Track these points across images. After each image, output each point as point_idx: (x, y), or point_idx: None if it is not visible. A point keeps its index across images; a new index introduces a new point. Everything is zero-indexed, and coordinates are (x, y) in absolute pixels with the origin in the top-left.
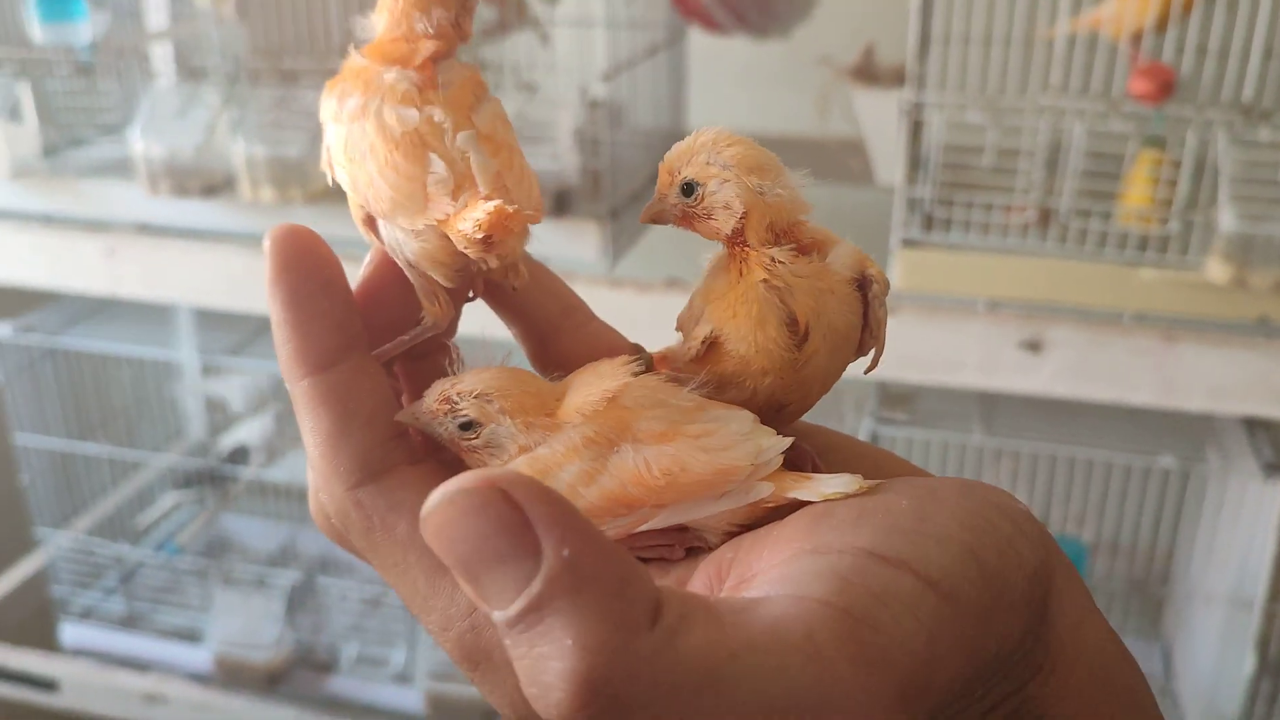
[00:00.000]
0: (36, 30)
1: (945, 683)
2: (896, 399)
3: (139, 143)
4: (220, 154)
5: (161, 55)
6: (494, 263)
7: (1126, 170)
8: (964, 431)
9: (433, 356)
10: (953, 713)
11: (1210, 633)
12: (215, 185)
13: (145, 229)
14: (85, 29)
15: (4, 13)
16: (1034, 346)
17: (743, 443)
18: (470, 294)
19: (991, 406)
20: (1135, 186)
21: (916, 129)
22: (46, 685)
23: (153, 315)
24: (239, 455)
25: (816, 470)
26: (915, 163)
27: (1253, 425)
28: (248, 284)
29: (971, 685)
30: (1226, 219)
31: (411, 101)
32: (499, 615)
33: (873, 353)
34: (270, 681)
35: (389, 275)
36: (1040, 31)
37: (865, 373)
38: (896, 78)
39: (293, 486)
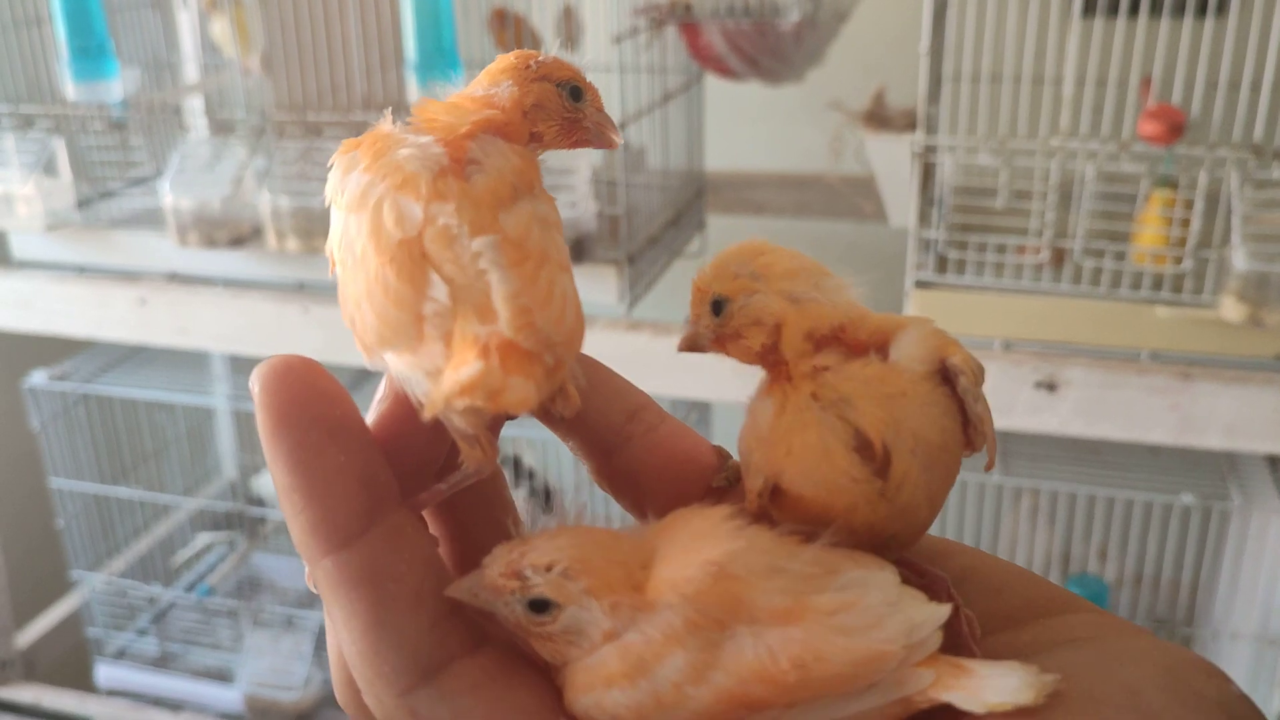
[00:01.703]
0: (70, 88)
1: None
2: None
3: (169, 195)
4: (247, 205)
5: (191, 110)
6: (480, 429)
7: (1139, 210)
8: (981, 470)
9: (478, 492)
10: None
11: (1237, 671)
12: (242, 236)
13: (175, 278)
14: (117, 86)
15: (39, 72)
16: (1050, 386)
17: (890, 617)
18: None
19: (1011, 445)
20: (1148, 226)
21: (928, 171)
22: None
23: (183, 361)
24: (264, 500)
25: (956, 603)
26: (928, 205)
27: (1275, 462)
28: (275, 331)
29: None
30: (1240, 258)
31: (414, 191)
32: None
33: (986, 449)
34: None
35: (410, 404)
36: (1049, 74)
37: (986, 470)
38: (907, 121)
39: None
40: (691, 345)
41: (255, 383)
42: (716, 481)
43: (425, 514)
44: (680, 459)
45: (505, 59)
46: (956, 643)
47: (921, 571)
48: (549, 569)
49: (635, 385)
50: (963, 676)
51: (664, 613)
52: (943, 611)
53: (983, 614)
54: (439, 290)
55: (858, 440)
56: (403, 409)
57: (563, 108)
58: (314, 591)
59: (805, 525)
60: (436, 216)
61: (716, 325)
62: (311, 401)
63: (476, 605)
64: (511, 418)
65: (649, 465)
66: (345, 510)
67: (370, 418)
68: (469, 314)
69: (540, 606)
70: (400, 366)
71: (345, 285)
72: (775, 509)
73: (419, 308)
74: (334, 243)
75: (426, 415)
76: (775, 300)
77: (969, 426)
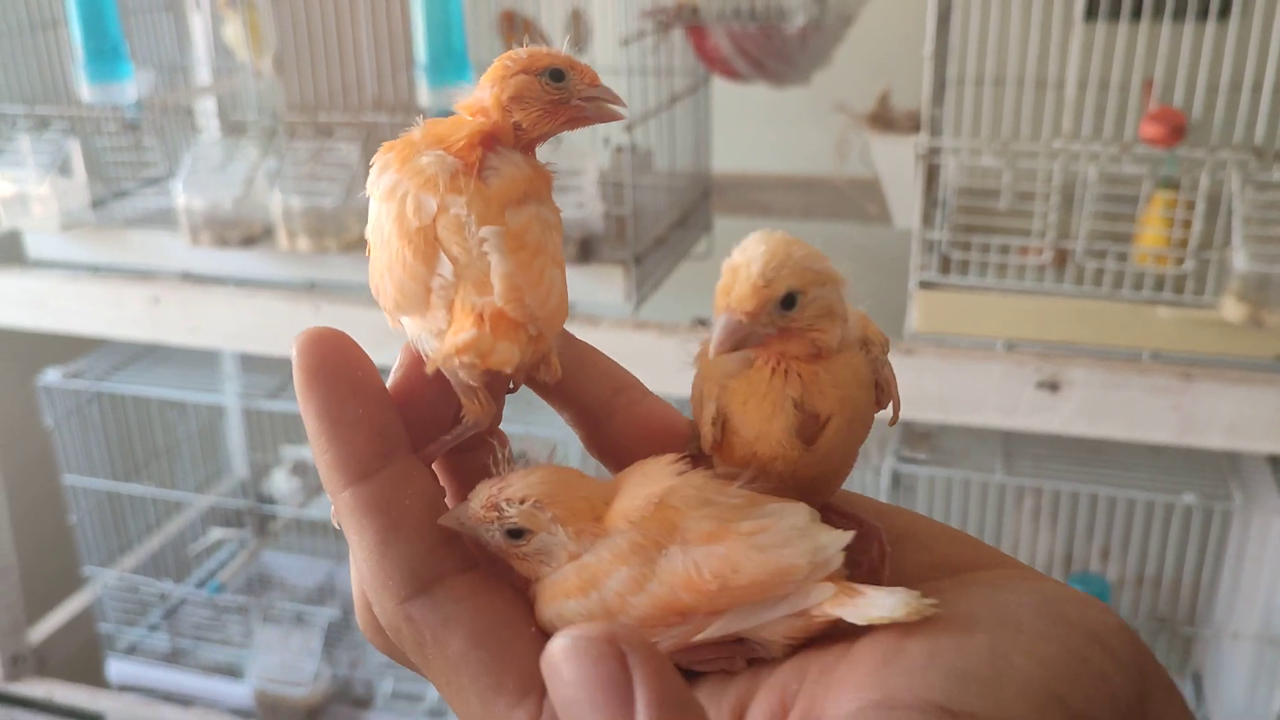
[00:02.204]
0: (85, 90)
1: None
2: (918, 438)
3: (181, 195)
4: (259, 205)
5: (204, 111)
6: (476, 381)
7: (1141, 211)
8: (985, 470)
9: (477, 451)
10: None
11: (1239, 669)
12: (254, 235)
13: (187, 277)
14: (131, 88)
15: (54, 73)
16: (1052, 386)
17: (799, 540)
18: (511, 385)
19: (1013, 445)
20: (1150, 227)
21: (932, 173)
22: (94, 719)
23: (195, 359)
24: (274, 498)
25: (884, 552)
26: (932, 206)
27: (1277, 462)
28: (285, 329)
29: None
30: (1241, 259)
31: (433, 189)
32: None
33: (892, 407)
34: (308, 716)
35: (423, 370)
36: (1052, 77)
37: (890, 424)
38: (912, 123)
39: (330, 525)
40: (741, 342)
41: (294, 346)
42: (690, 449)
43: (439, 469)
44: (659, 430)
45: (493, 65)
46: (875, 580)
47: (860, 522)
48: (522, 502)
49: (622, 366)
50: (854, 596)
51: (614, 537)
52: (845, 537)
53: (913, 564)
54: (445, 268)
55: (803, 414)
56: (416, 374)
57: (543, 92)
58: (337, 528)
59: (737, 465)
60: (449, 208)
61: (785, 319)
62: (338, 364)
63: (464, 532)
64: (504, 378)
65: (632, 435)
66: (361, 452)
67: (390, 381)
68: (469, 288)
69: (515, 534)
70: (413, 328)
71: (374, 261)
72: (716, 446)
73: (429, 281)
74: (369, 227)
75: (429, 369)
76: (836, 291)
77: (879, 388)
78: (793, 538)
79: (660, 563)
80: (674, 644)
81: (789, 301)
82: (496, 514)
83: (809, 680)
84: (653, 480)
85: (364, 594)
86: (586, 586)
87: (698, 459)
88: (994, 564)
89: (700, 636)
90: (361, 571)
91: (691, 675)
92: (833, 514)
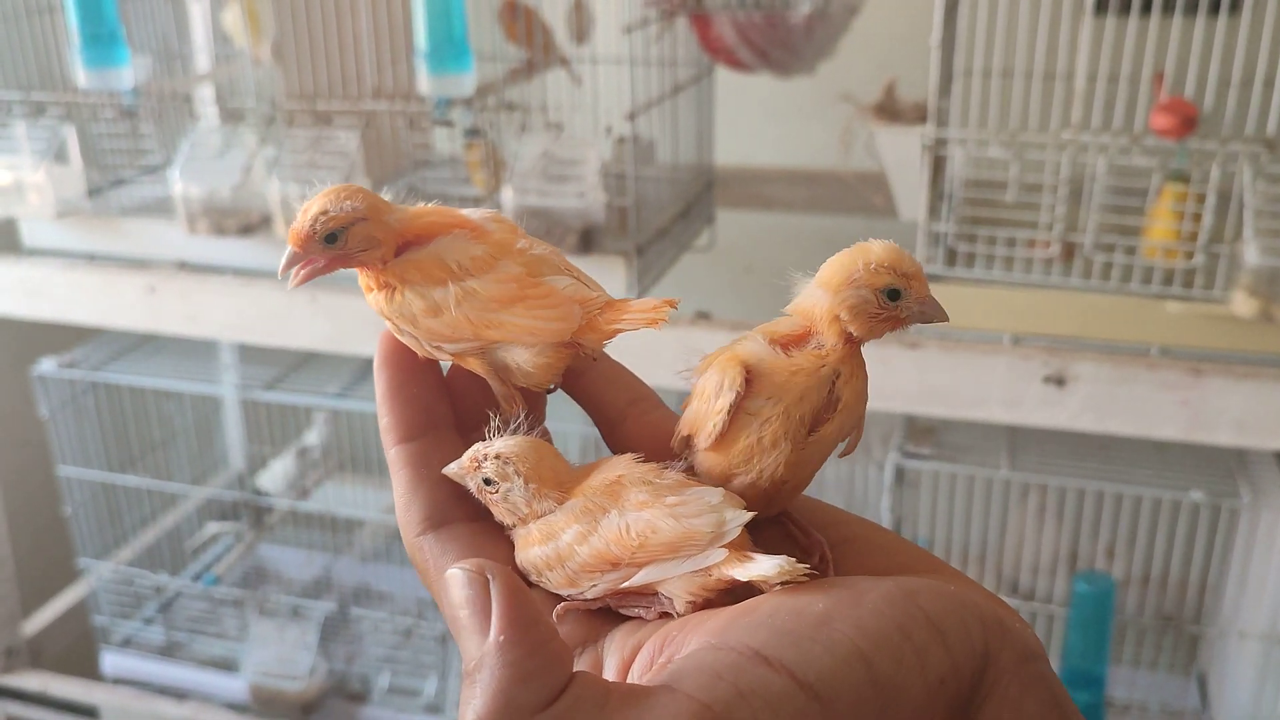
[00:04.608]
0: (81, 75)
1: None
2: (922, 433)
3: (178, 183)
4: (256, 194)
5: (202, 98)
6: (513, 392)
7: (1150, 204)
8: (990, 466)
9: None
10: None
11: (1246, 668)
12: (251, 224)
13: (184, 266)
14: (128, 74)
15: (50, 59)
16: (1059, 381)
17: (709, 513)
18: (551, 387)
19: (1019, 440)
20: (1159, 220)
21: (938, 164)
22: (88, 713)
23: (192, 350)
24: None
25: (825, 560)
26: (938, 198)
27: None
28: (283, 319)
29: None
30: (1252, 253)
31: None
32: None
33: (850, 440)
34: (304, 711)
35: (468, 372)
36: (1060, 69)
37: (840, 456)
38: (918, 114)
39: (327, 518)
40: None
41: (379, 337)
42: (680, 453)
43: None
44: (662, 436)
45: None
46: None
47: (806, 532)
48: (497, 458)
49: (640, 379)
50: (746, 560)
51: (572, 501)
52: (746, 515)
53: (854, 568)
54: (563, 281)
55: (831, 402)
56: (462, 371)
57: (880, 309)
58: None
59: (734, 458)
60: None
61: (892, 310)
62: (404, 354)
63: (456, 479)
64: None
65: (639, 438)
66: (407, 421)
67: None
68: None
69: (488, 482)
70: (517, 358)
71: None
72: (719, 440)
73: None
74: (470, 308)
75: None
76: None
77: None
78: (704, 510)
79: (602, 522)
80: (605, 588)
81: (894, 295)
82: (477, 465)
83: (684, 630)
84: (614, 467)
85: None
86: (546, 539)
87: (689, 471)
88: (928, 569)
89: (626, 584)
90: (397, 508)
91: (619, 617)
92: (788, 521)
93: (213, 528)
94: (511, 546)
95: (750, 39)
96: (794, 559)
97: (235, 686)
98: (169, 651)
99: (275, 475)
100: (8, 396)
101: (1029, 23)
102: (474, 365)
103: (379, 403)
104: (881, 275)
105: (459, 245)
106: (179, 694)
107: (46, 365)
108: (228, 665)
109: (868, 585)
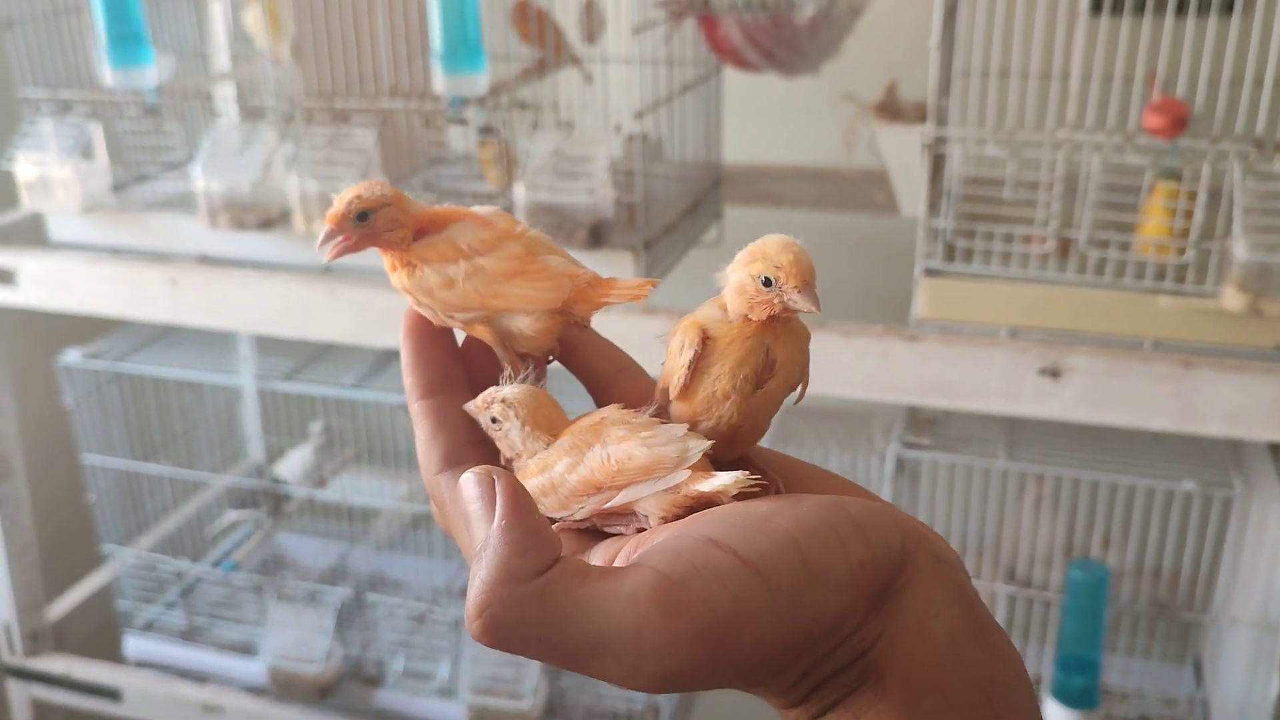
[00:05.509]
0: (107, 75)
1: (754, 638)
2: (922, 424)
3: (200, 179)
4: (276, 189)
5: (223, 96)
6: (515, 358)
7: (1143, 201)
8: (989, 456)
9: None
10: (784, 667)
11: (1239, 654)
12: (271, 219)
13: (205, 260)
14: (152, 73)
15: (78, 58)
16: (1054, 373)
17: (675, 442)
18: (550, 357)
19: (1016, 431)
20: (1152, 217)
21: (938, 162)
22: (111, 695)
23: (213, 341)
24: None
25: (778, 491)
26: (937, 195)
27: (1277, 450)
28: (301, 312)
29: (797, 647)
30: (1241, 249)
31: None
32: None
33: (800, 387)
34: (321, 694)
35: (479, 341)
36: (1056, 69)
37: (794, 403)
38: (918, 114)
39: (343, 507)
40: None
41: (404, 313)
42: (656, 401)
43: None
44: (642, 399)
45: None
46: None
47: (764, 473)
48: (503, 401)
49: (625, 352)
50: (708, 477)
51: (564, 438)
52: (706, 443)
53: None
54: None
55: (769, 359)
56: (473, 341)
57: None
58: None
59: (697, 405)
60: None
61: (766, 294)
62: (424, 324)
63: (473, 415)
64: (546, 351)
65: (623, 401)
66: (428, 381)
67: (460, 341)
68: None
69: (494, 420)
70: (520, 324)
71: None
72: (684, 390)
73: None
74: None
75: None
76: None
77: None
78: (671, 441)
79: (587, 455)
80: (592, 509)
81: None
82: (487, 406)
83: (654, 536)
84: (599, 413)
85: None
86: (542, 469)
87: (659, 413)
88: (855, 494)
89: (608, 505)
90: (418, 451)
91: (604, 536)
92: (746, 463)
93: (232, 515)
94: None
95: (756, 40)
96: (748, 473)
97: (254, 670)
98: (190, 636)
99: (293, 464)
100: (34, 386)
101: (1025, 24)
102: (482, 332)
103: (404, 366)
104: (757, 264)
105: (469, 230)
106: (199, 677)
107: (72, 356)
108: (247, 649)
109: (806, 496)
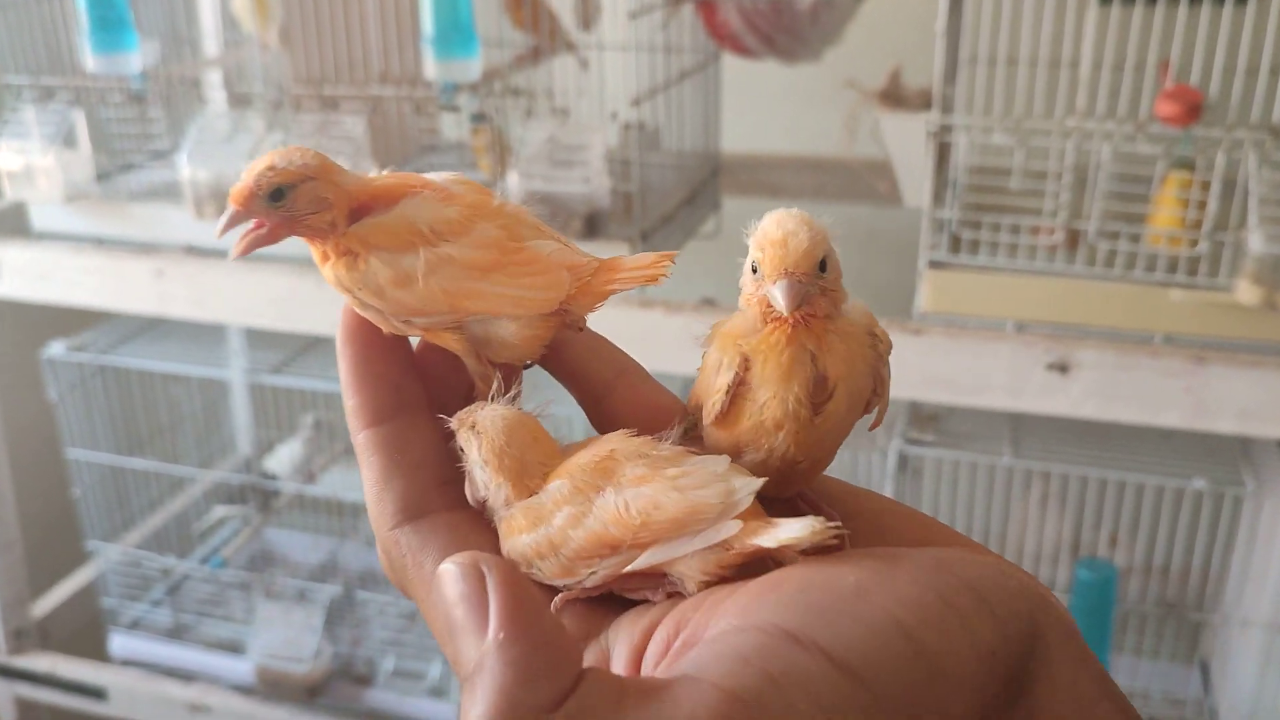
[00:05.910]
0: (90, 60)
1: None
2: (925, 420)
3: (186, 168)
4: None
5: (210, 83)
6: (487, 369)
7: (1155, 192)
8: (993, 453)
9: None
10: None
11: (1248, 656)
12: None
13: (192, 250)
14: (136, 59)
15: (59, 44)
16: (1062, 368)
17: (715, 483)
18: (528, 362)
19: (1021, 428)
20: (1164, 208)
21: (943, 151)
22: (96, 694)
23: (200, 333)
24: (275, 477)
25: (840, 541)
26: (942, 185)
27: None
28: (290, 304)
29: None
30: (1256, 241)
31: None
32: (460, 672)
33: (877, 410)
34: (310, 693)
35: (440, 349)
36: (1066, 56)
37: (870, 429)
38: (923, 101)
39: (333, 502)
40: (803, 301)
41: (341, 311)
42: (685, 423)
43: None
44: (651, 409)
45: None
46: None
47: (817, 507)
48: (472, 427)
49: (626, 352)
50: (769, 527)
51: (559, 483)
52: (757, 482)
53: (876, 542)
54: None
55: (817, 371)
56: (432, 347)
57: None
58: None
59: (740, 437)
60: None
61: (822, 280)
62: (370, 330)
63: (454, 429)
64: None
65: (627, 412)
66: (376, 402)
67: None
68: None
69: (459, 450)
70: (502, 330)
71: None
72: (721, 418)
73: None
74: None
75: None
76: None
77: (876, 382)
78: (709, 481)
79: (596, 502)
80: (606, 574)
81: (823, 266)
82: (459, 426)
83: (702, 610)
84: (604, 442)
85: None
86: (535, 524)
87: (690, 436)
88: (953, 543)
89: (629, 568)
90: (367, 499)
91: (622, 604)
92: (799, 500)
93: (220, 511)
94: (496, 536)
95: (756, 25)
96: (820, 520)
97: (242, 668)
98: (176, 633)
99: (282, 459)
100: (17, 379)
101: (1034, 10)
102: (447, 341)
103: (344, 384)
104: (753, 246)
105: (429, 207)
106: (186, 675)
107: (55, 348)
108: (234, 647)
109: (900, 554)
